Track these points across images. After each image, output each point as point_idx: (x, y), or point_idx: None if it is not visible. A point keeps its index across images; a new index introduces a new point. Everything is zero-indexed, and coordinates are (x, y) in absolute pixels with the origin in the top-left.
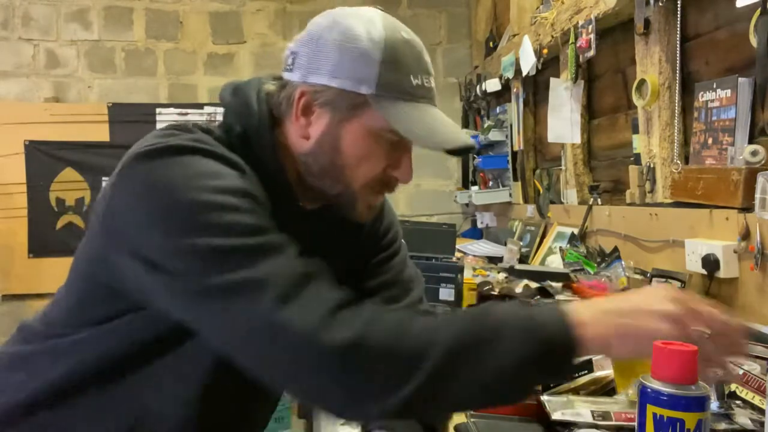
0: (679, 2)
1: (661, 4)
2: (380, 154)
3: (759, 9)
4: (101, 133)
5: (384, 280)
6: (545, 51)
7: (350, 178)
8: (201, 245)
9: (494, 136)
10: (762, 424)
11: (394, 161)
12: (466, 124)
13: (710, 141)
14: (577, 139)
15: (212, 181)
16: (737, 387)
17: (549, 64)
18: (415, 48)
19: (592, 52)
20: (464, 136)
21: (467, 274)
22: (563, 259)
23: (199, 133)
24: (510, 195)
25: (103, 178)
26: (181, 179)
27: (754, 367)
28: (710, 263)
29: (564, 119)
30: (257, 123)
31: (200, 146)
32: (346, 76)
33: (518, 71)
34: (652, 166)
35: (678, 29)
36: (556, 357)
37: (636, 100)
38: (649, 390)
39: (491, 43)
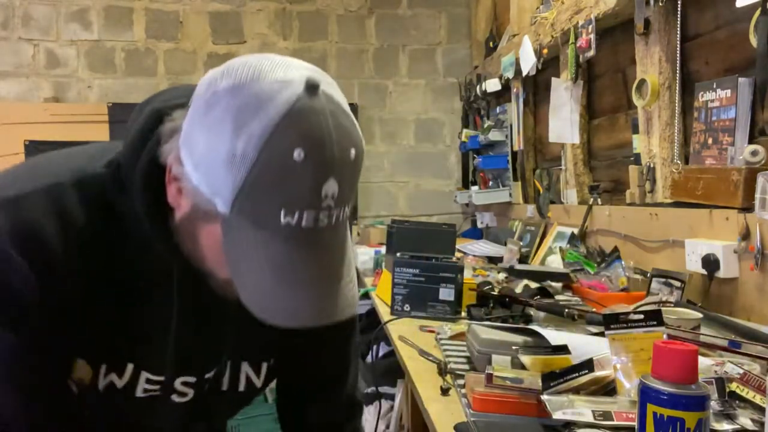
0: (679, 2)
1: (661, 4)
2: None
3: (759, 9)
4: (101, 133)
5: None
6: (545, 51)
7: (214, 270)
8: None
9: (494, 136)
10: (762, 423)
11: None
12: (466, 124)
13: (710, 141)
14: (577, 139)
15: None
16: (738, 386)
17: (549, 64)
18: (309, 174)
19: (592, 52)
20: (313, 316)
21: (467, 274)
22: (563, 259)
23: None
24: (510, 195)
25: None
26: None
27: (754, 367)
28: (710, 263)
29: (564, 119)
30: (129, 164)
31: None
32: (205, 175)
33: (518, 71)
34: (652, 166)
35: (678, 29)
36: None
37: (636, 100)
38: (649, 389)
39: (491, 43)
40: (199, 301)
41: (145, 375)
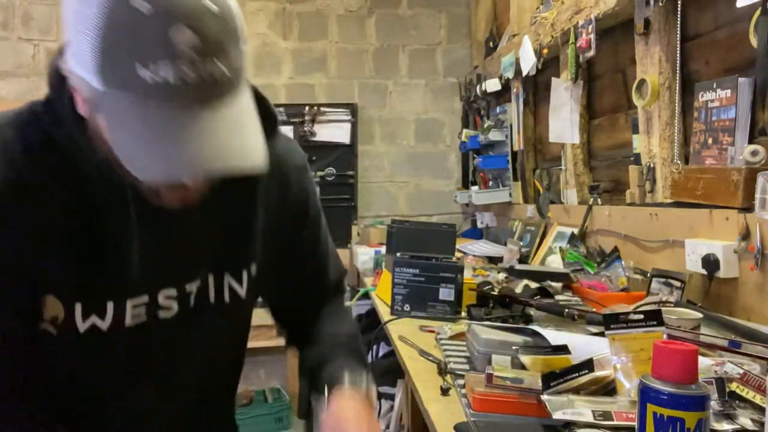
0: (679, 2)
1: (661, 4)
2: None
3: (759, 9)
4: None
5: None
6: (545, 51)
7: (124, 166)
8: None
9: (494, 136)
10: (762, 423)
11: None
12: (466, 124)
13: (710, 141)
14: (577, 139)
15: None
16: (738, 386)
17: (549, 64)
18: (154, 21)
19: (592, 52)
20: (186, 167)
21: (467, 274)
22: (563, 259)
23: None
24: (510, 195)
25: None
26: None
27: (754, 367)
28: (710, 263)
29: (564, 119)
30: (55, 93)
31: None
32: (75, 57)
33: (518, 71)
34: (652, 166)
35: (678, 29)
36: None
37: (636, 100)
38: (649, 389)
39: (491, 43)
40: (159, 215)
41: (129, 303)
